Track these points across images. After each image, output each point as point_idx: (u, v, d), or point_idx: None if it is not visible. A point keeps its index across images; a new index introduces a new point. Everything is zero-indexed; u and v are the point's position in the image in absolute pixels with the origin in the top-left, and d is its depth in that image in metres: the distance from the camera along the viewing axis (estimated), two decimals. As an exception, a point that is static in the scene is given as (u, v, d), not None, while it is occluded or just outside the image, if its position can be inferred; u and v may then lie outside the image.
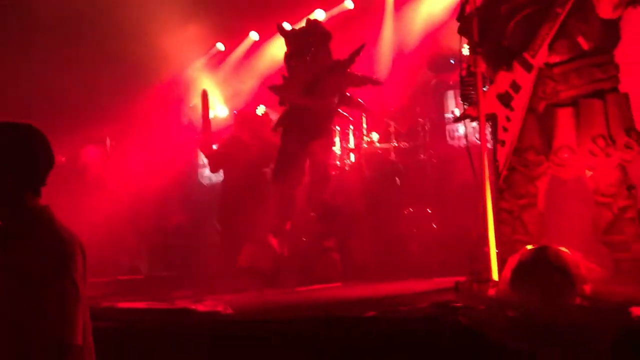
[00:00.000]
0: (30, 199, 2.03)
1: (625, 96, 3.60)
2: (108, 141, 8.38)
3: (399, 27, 8.37)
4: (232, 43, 9.47)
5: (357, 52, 6.48)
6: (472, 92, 3.72)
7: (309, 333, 3.13)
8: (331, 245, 6.09)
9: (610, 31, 3.63)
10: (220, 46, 9.63)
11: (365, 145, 7.50)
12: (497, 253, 3.48)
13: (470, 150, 3.92)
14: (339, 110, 6.65)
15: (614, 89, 3.62)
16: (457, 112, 7.36)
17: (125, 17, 7.66)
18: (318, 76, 6.36)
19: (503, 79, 3.77)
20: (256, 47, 9.40)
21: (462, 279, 3.88)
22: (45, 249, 1.92)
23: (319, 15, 8.89)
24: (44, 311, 1.87)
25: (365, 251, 6.46)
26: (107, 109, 7.79)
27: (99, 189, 7.66)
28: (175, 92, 9.12)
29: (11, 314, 1.89)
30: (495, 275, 3.34)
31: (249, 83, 9.22)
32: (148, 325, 3.64)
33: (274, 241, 6.12)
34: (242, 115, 7.63)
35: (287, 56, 6.64)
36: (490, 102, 3.79)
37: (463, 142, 7.42)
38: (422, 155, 7.32)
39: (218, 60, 9.67)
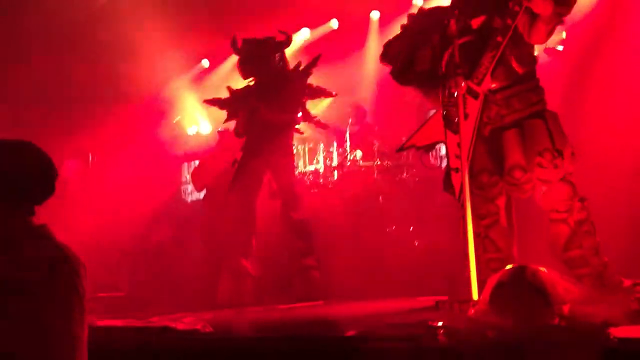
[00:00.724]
0: (25, 217, 2.01)
1: (556, 114, 3.83)
2: (90, 156, 8.33)
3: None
4: (217, 60, 9.50)
5: (313, 63, 6.30)
6: (454, 114, 3.76)
7: (289, 352, 3.12)
8: (311, 263, 5.99)
9: (533, 54, 3.92)
10: (205, 63, 9.66)
11: (348, 164, 7.53)
12: (469, 272, 3.51)
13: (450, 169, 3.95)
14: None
15: (545, 109, 3.85)
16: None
17: (109, 32, 7.68)
18: (278, 88, 6.09)
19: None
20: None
21: (443, 298, 3.89)
22: (51, 267, 1.89)
23: (304, 34, 8.98)
24: (52, 329, 1.84)
25: (346, 269, 6.44)
26: (89, 123, 7.76)
27: (79, 204, 7.59)
28: (159, 108, 9.10)
29: (14, 333, 1.83)
30: (475, 295, 3.36)
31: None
32: (126, 344, 3.59)
33: (247, 264, 5.93)
34: (226, 136, 7.58)
35: (241, 63, 6.34)
36: (438, 131, 3.88)
37: (444, 163, 7.54)
38: (404, 174, 7.37)
39: (202, 76, 9.69)
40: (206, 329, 3.68)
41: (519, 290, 2.98)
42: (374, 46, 8.49)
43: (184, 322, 3.88)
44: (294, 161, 6.55)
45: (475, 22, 3.85)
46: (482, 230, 3.81)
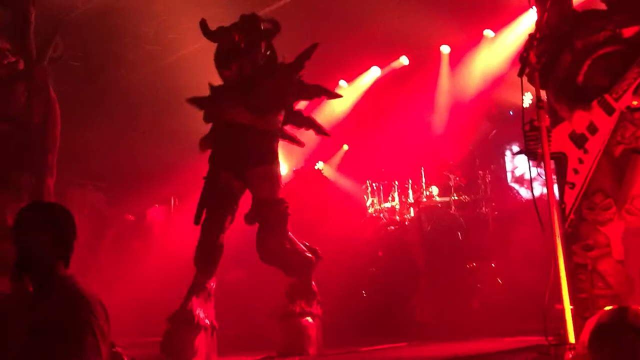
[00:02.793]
0: (60, 268, 2.26)
1: None
2: (172, 201, 8.63)
3: (455, 80, 8.41)
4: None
5: (306, 54, 5.11)
6: (536, 147, 3.63)
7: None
8: (298, 309, 4.83)
9: None
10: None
11: (424, 200, 7.43)
12: (574, 310, 3.31)
13: (536, 202, 3.77)
14: (284, 130, 5.18)
15: None
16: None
17: (188, 78, 8.01)
18: (255, 82, 4.97)
19: (579, 119, 3.65)
20: (314, 105, 9.58)
21: (531, 339, 3.70)
22: (69, 308, 2.10)
23: (374, 72, 9.06)
24: None
25: (426, 308, 6.31)
26: (172, 171, 8.08)
27: (163, 245, 7.85)
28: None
29: None
30: (571, 337, 3.17)
31: (308, 140, 9.35)
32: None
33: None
34: (303, 174, 7.65)
35: (218, 55, 5.14)
36: (560, 141, 3.68)
37: (527, 193, 7.30)
38: (483, 208, 7.19)
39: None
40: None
41: (620, 333, 2.79)
42: (445, 80, 8.46)
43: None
44: (277, 172, 5.08)
45: (628, 32, 3.56)
46: (590, 262, 3.55)
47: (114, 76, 7.89)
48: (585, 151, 3.58)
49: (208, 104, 5.22)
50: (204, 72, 8.01)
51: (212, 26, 5.22)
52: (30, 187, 5.39)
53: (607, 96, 3.52)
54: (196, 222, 4.91)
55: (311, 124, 5.22)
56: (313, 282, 5.01)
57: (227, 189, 4.96)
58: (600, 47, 3.51)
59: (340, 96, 5.58)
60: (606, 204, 3.54)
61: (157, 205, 8.48)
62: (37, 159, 5.45)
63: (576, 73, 3.67)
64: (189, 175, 8.20)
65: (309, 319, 4.84)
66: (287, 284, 5.02)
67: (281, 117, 5.02)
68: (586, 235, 3.57)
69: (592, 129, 3.52)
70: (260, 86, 4.94)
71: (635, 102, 3.48)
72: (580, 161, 3.57)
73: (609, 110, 3.52)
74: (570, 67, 3.71)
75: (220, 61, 5.10)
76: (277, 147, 5.08)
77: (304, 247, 5.04)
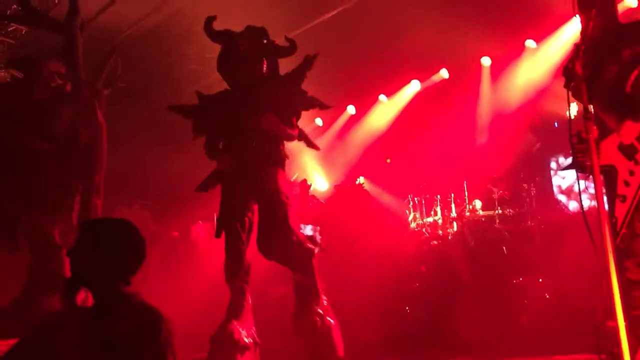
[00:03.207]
0: (121, 285, 2.28)
1: None
2: (215, 217, 8.75)
3: (497, 93, 8.32)
4: (330, 117, 9.76)
5: (308, 64, 4.97)
6: (585, 159, 3.55)
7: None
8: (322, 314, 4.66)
9: None
10: (318, 121, 9.95)
11: (468, 214, 7.35)
12: (627, 328, 3.20)
13: (586, 215, 3.68)
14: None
15: None
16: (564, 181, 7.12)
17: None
18: (269, 93, 4.85)
19: (628, 130, 3.57)
20: (354, 120, 9.63)
21: (584, 356, 3.60)
22: (149, 326, 2.13)
23: (414, 86, 9.05)
24: None
25: (472, 323, 6.20)
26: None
27: (207, 260, 7.96)
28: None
29: None
30: (626, 356, 3.06)
31: (348, 156, 9.40)
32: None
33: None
34: (344, 189, 7.66)
35: (220, 59, 4.97)
36: (609, 154, 3.60)
37: (574, 206, 7.14)
38: (529, 222, 7.06)
39: (317, 135, 9.97)
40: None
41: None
42: (487, 93, 8.38)
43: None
44: (285, 175, 4.97)
45: None
46: None
47: (160, 96, 8.06)
48: (636, 162, 3.49)
49: (200, 113, 5.08)
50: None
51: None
52: (76, 208, 5.54)
53: None
54: (216, 236, 4.91)
55: (302, 136, 5.13)
56: (316, 275, 4.80)
57: (238, 200, 4.84)
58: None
59: (330, 107, 5.32)
60: None
61: (200, 221, 8.60)
62: (83, 180, 5.60)
63: (624, 83, 3.61)
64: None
65: (329, 319, 4.69)
66: (293, 282, 4.88)
67: (296, 130, 4.97)
68: (639, 251, 3.47)
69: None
70: (275, 97, 4.85)
71: None
72: (631, 173, 3.49)
73: None
74: (617, 78, 3.65)
75: (222, 66, 4.98)
76: (284, 154, 5.00)
77: (306, 239, 4.89)
